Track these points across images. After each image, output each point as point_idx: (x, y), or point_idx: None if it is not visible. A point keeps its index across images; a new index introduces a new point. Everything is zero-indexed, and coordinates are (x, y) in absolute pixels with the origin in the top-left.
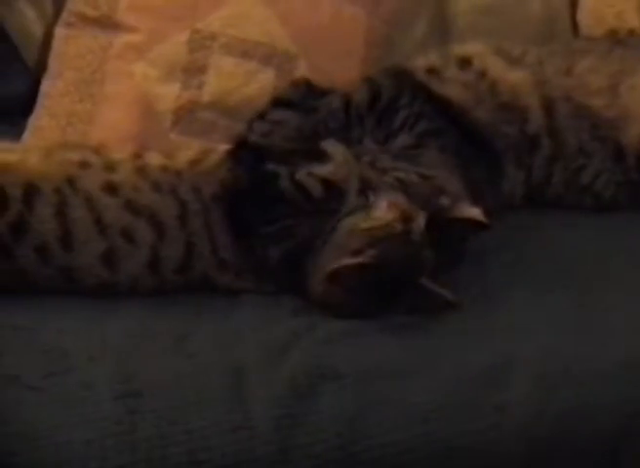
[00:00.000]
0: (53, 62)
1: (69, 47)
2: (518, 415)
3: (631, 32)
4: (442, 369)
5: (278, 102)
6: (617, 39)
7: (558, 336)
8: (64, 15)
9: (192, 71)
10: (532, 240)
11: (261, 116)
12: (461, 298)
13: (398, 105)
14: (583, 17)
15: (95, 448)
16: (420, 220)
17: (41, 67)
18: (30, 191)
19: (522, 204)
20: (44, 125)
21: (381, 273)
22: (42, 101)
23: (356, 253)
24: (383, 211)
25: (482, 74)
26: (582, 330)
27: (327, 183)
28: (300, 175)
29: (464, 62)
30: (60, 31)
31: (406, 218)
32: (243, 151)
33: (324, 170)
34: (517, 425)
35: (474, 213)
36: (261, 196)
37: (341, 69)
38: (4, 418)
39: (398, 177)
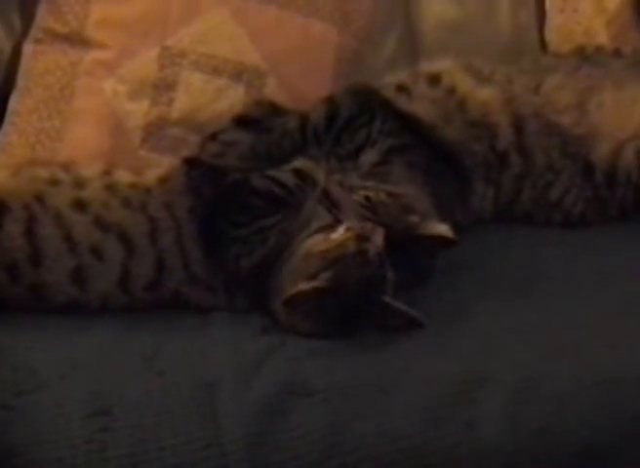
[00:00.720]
0: (21, 79)
1: (38, 63)
2: (489, 431)
3: (599, 49)
4: (413, 385)
5: (240, 121)
6: (584, 55)
7: (527, 352)
8: (33, 31)
9: (162, 88)
10: (500, 256)
11: (214, 136)
12: (428, 315)
13: (358, 124)
14: (551, 33)
15: (66, 467)
16: (377, 239)
17: (8, 84)
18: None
19: (491, 220)
20: (12, 142)
21: (339, 294)
22: (10, 119)
23: (311, 277)
24: (339, 233)
25: (451, 91)
26: (551, 345)
27: (298, 172)
28: (270, 171)
29: (433, 79)
30: (28, 48)
31: (361, 238)
32: (195, 170)
33: (293, 164)
34: (488, 441)
35: (442, 229)
36: (232, 203)
37: (312, 86)
38: None
39: (367, 196)
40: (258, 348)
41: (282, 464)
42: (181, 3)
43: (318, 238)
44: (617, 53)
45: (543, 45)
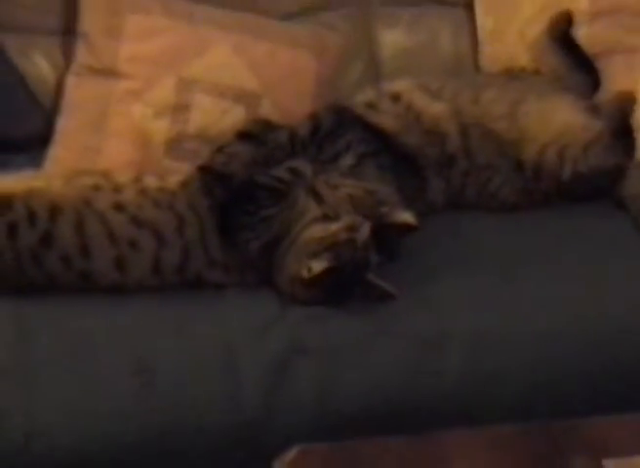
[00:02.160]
0: (65, 105)
1: (79, 92)
2: (452, 378)
3: (523, 69)
4: (390, 343)
5: (241, 135)
6: (512, 74)
7: (481, 313)
8: (73, 66)
9: (179, 110)
10: (453, 237)
11: (220, 149)
12: (399, 287)
13: (336, 134)
14: (484, 59)
15: (115, 416)
16: (364, 230)
17: (55, 110)
18: (55, 211)
19: (443, 208)
20: (60, 156)
21: (337, 272)
22: (57, 137)
23: (313, 255)
24: (336, 224)
25: (409, 107)
26: (500, 307)
27: (291, 169)
28: (273, 170)
29: (395, 97)
30: (70, 79)
31: (352, 229)
32: (208, 176)
33: (286, 163)
34: (451, 386)
35: (407, 217)
36: (242, 198)
37: (297, 106)
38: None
39: (348, 193)
40: (265, 315)
41: (290, 409)
42: (193, 41)
43: (317, 227)
44: (537, 72)
45: (478, 68)
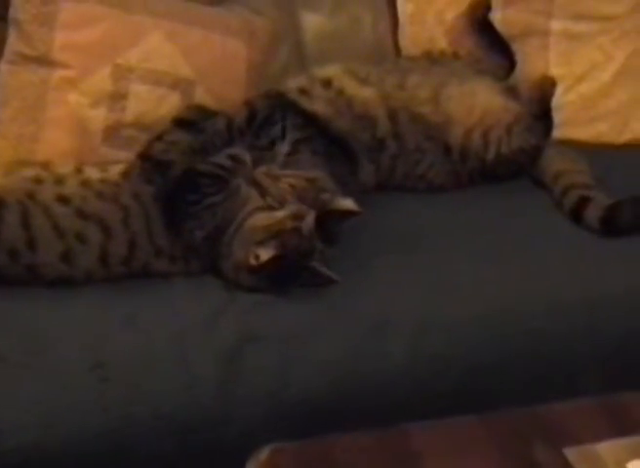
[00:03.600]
0: (0, 93)
1: (13, 80)
2: (398, 360)
3: (442, 52)
4: (339, 328)
5: (179, 123)
6: (432, 58)
7: (421, 295)
8: (6, 54)
9: (116, 98)
10: (386, 218)
11: (159, 137)
12: (340, 272)
13: (272, 121)
14: (404, 41)
15: (76, 412)
16: (309, 219)
17: None
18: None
19: (373, 190)
20: None
21: (284, 260)
22: None
23: (260, 243)
24: (280, 213)
25: (340, 92)
26: (439, 288)
27: (231, 156)
28: (212, 158)
29: (326, 83)
30: (3, 67)
31: (296, 217)
32: (147, 164)
33: (226, 151)
34: (398, 368)
35: (349, 203)
36: (185, 186)
37: (230, 92)
38: None
39: (290, 183)
40: (215, 304)
41: (246, 399)
42: (128, 29)
43: (262, 215)
44: (455, 55)
45: (398, 50)
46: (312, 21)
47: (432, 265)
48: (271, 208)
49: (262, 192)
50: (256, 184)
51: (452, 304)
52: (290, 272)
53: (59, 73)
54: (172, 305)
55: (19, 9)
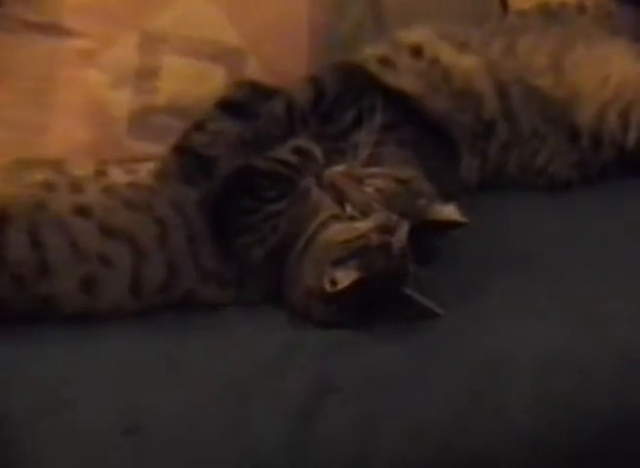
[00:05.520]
0: None
1: (12, 54)
2: (519, 414)
3: (562, 4)
4: (439, 373)
5: (225, 106)
6: (549, 13)
7: (544, 327)
8: (3, 20)
9: (144, 75)
10: (494, 227)
11: (200, 125)
12: (439, 299)
13: (345, 102)
14: None
15: None
16: (402, 232)
17: None
18: (1, 218)
19: (475, 188)
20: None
21: (368, 285)
22: None
23: (337, 263)
24: (364, 223)
25: (434, 62)
26: (567, 318)
27: (297, 149)
28: (272, 152)
29: (415, 50)
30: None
31: (385, 230)
32: (185, 161)
33: (289, 143)
34: (520, 424)
35: (451, 211)
36: (237, 189)
37: (290, 62)
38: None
39: (376, 186)
40: (278, 344)
41: (321, 465)
42: None
43: (339, 227)
44: (580, 8)
45: (505, 4)
46: None
47: (555, 288)
48: (352, 217)
49: (340, 197)
50: (331, 187)
51: (584, 338)
52: (376, 301)
53: (71, 44)
54: (224, 347)
55: None
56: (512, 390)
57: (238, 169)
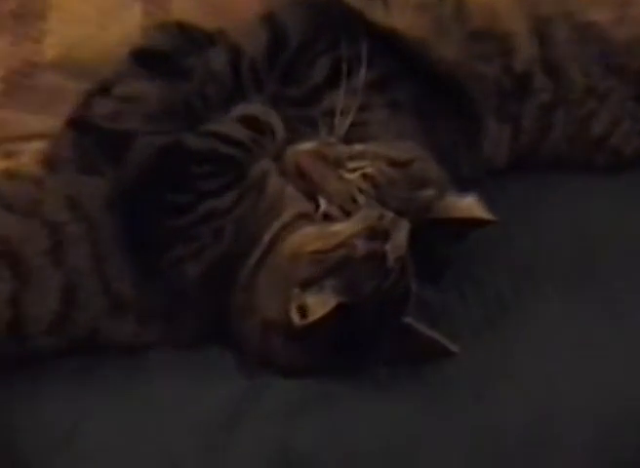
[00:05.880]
0: None
1: None
2: None
3: None
4: (456, 445)
5: (138, 58)
6: None
7: (603, 370)
8: None
9: (27, 17)
10: (533, 225)
11: (104, 89)
12: (456, 332)
13: (315, 51)
14: None
15: None
16: (400, 237)
17: None
18: None
19: (507, 168)
20: None
21: (352, 314)
22: None
23: (308, 285)
24: (344, 225)
25: None
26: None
27: (249, 120)
28: (211, 125)
29: None
30: None
31: (374, 235)
32: (84, 139)
33: (237, 111)
34: None
35: (471, 205)
36: (163, 180)
37: None
38: None
39: (363, 172)
40: (221, 404)
41: None
42: None
43: (309, 231)
44: None
45: None
46: None
47: (619, 313)
48: (328, 217)
49: (310, 188)
50: (296, 173)
51: None
52: (363, 337)
53: None
54: (149, 409)
55: None
56: (559, 453)
57: (161, 149)
